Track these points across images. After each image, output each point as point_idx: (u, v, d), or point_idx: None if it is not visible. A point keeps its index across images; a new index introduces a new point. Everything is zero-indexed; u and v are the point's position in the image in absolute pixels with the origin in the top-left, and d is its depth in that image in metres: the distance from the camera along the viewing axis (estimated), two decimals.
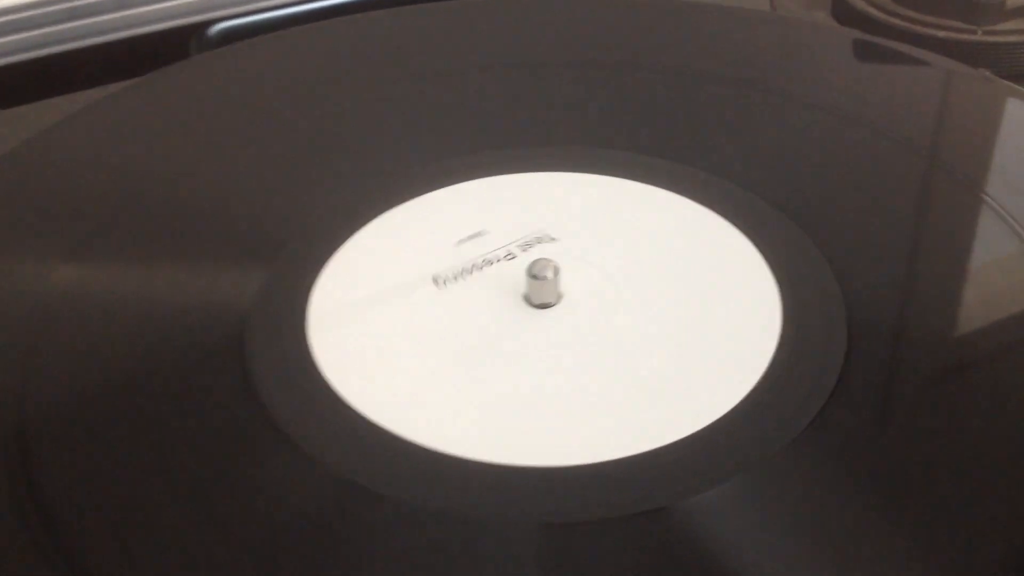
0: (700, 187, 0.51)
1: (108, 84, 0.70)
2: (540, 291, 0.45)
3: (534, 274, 0.45)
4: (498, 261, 0.46)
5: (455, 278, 0.46)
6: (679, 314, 0.45)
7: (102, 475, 0.38)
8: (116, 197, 0.52)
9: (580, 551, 0.35)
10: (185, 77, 0.63)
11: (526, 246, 0.46)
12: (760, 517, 0.36)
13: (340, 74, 0.63)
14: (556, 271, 0.45)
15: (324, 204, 0.51)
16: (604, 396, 0.41)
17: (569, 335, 0.44)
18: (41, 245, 0.49)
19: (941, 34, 0.63)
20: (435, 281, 0.45)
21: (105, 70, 0.71)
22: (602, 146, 0.55)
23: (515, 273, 0.46)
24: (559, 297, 0.45)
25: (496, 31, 0.67)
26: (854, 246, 0.48)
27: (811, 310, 0.44)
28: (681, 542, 0.35)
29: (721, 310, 0.45)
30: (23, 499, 0.37)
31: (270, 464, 0.39)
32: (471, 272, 0.46)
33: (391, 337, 0.44)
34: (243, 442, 0.39)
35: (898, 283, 0.46)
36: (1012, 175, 0.51)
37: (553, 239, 0.46)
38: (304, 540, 0.36)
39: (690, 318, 0.44)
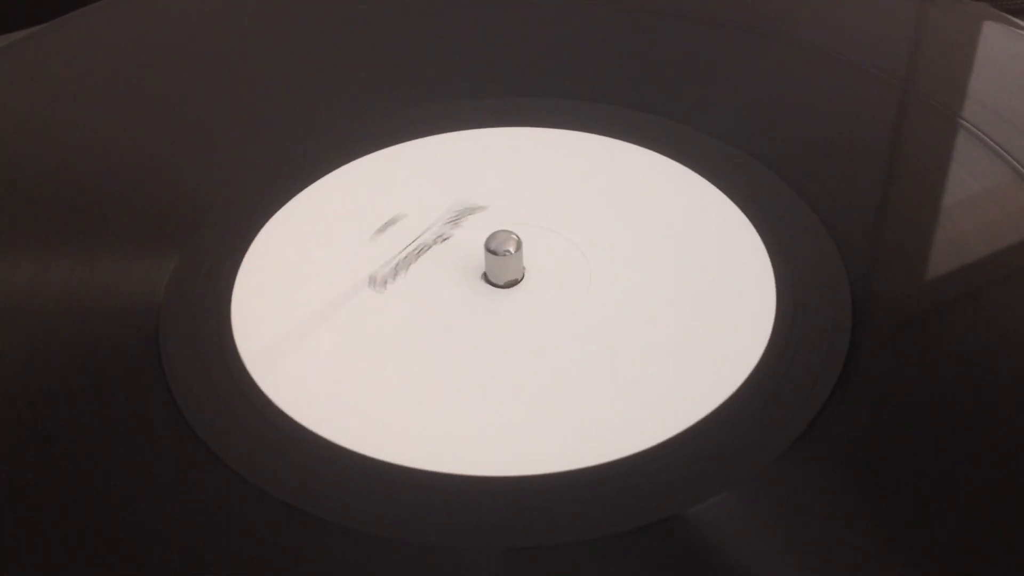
0: (668, 137, 0.46)
1: (9, 33, 0.62)
2: (500, 269, 0.39)
3: (493, 249, 0.39)
4: (431, 244, 0.39)
5: (393, 275, 0.39)
6: (658, 293, 0.39)
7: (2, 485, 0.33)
8: (5, 177, 0.45)
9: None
10: (92, 25, 0.56)
11: (454, 221, 0.40)
12: (752, 531, 0.31)
13: (267, 21, 0.56)
14: (518, 245, 0.39)
15: (246, 173, 0.45)
16: (577, 394, 0.35)
17: (533, 321, 0.38)
18: None
19: None
20: (372, 284, 0.39)
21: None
22: (557, 96, 0.49)
23: (471, 248, 0.40)
24: (523, 275, 0.40)
25: None
26: (853, 212, 0.43)
27: (809, 283, 0.39)
28: (665, 560, 0.31)
29: (707, 286, 0.39)
30: None
31: (196, 484, 0.33)
32: (407, 265, 0.40)
33: (330, 331, 0.38)
34: (164, 457, 0.34)
35: (902, 258, 0.41)
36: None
37: (482, 207, 0.39)
38: (230, 565, 0.30)
39: (671, 298, 0.39)
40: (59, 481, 0.33)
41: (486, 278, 0.40)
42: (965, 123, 0.46)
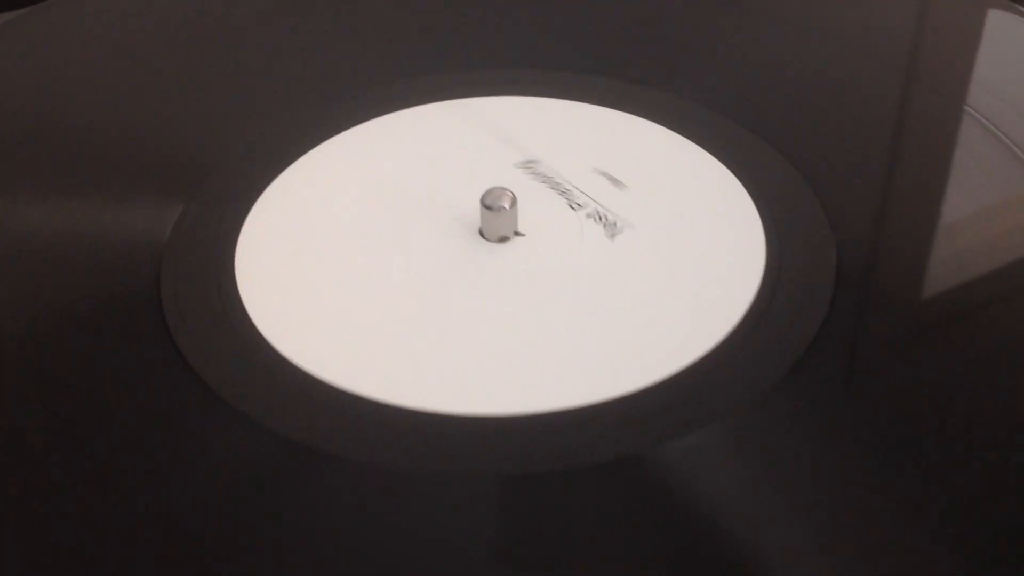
0: (668, 111, 0.47)
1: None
2: (495, 224, 0.40)
3: (488, 204, 0.40)
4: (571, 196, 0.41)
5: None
6: (651, 249, 0.40)
7: (3, 430, 0.33)
8: (20, 126, 0.46)
9: (540, 504, 0.31)
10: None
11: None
12: (735, 466, 0.32)
13: None
14: (513, 201, 0.40)
15: (255, 132, 0.46)
16: (567, 340, 0.36)
17: (527, 272, 0.39)
18: None
19: None
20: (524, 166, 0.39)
21: None
22: (558, 68, 0.50)
23: (468, 204, 0.41)
24: (517, 231, 0.41)
25: None
26: (838, 171, 0.44)
27: (796, 241, 0.40)
28: (649, 492, 0.32)
29: (699, 244, 0.41)
30: None
31: (200, 426, 0.34)
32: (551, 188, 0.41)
33: (330, 280, 0.39)
34: (163, 397, 0.35)
35: (884, 211, 0.43)
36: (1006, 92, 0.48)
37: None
38: (237, 502, 0.31)
39: (664, 253, 0.40)
40: (59, 419, 0.34)
41: (482, 233, 0.41)
42: (970, 110, 0.47)
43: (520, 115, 0.47)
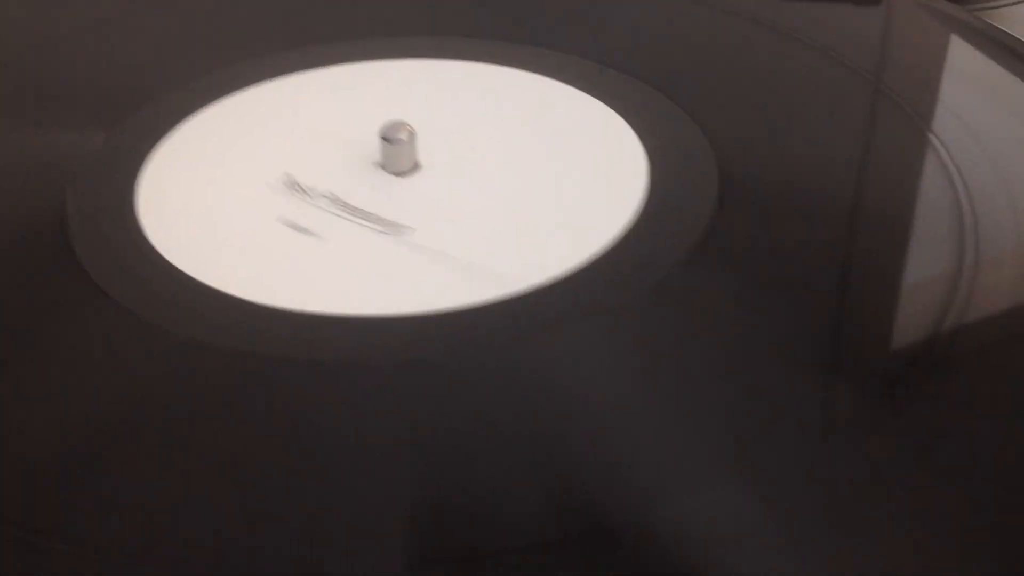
0: (585, 76, 0.49)
1: None
2: (394, 156, 0.43)
3: (387, 137, 0.42)
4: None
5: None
6: (542, 178, 0.43)
7: None
8: None
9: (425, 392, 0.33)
10: None
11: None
12: (603, 360, 0.34)
13: None
14: (411, 135, 0.42)
15: (182, 75, 0.49)
16: (456, 250, 0.39)
17: (423, 197, 0.41)
18: None
19: None
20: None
21: None
22: (455, 33, 0.53)
23: (369, 141, 0.43)
24: (416, 166, 0.43)
25: None
26: (721, 110, 0.46)
27: (679, 168, 0.42)
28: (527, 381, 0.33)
29: (586, 174, 0.43)
30: None
31: (105, 336, 0.36)
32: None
33: (225, 203, 0.41)
34: (60, 299, 0.37)
35: (768, 145, 0.44)
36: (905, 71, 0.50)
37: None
38: (150, 405, 0.33)
39: (553, 181, 0.42)
40: None
41: (382, 167, 0.43)
42: (932, 133, 0.49)
43: (422, 77, 0.50)
